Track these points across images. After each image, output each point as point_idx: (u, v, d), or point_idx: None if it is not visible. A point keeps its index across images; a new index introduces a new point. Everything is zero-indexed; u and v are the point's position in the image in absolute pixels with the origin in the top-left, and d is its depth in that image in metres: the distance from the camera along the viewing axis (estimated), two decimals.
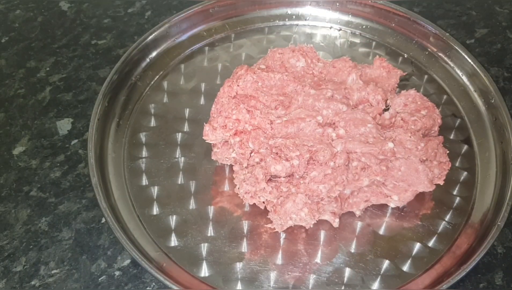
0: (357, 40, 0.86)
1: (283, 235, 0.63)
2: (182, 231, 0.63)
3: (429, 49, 0.83)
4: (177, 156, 0.70)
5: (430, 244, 0.62)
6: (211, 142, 0.65)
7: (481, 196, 0.66)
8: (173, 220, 0.64)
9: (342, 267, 0.60)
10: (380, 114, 0.67)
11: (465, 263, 0.57)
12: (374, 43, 0.86)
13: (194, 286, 0.58)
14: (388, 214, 0.65)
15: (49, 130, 0.76)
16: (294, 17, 0.88)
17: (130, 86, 0.77)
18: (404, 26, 0.85)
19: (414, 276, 0.60)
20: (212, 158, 0.68)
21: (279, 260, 0.61)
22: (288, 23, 0.88)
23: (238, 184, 0.63)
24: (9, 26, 0.91)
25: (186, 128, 0.73)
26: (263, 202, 0.62)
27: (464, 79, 0.79)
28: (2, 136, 0.75)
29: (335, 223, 0.62)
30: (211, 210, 0.65)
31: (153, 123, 0.74)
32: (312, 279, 0.59)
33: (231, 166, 0.68)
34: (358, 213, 0.64)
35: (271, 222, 0.62)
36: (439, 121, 0.68)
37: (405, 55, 0.84)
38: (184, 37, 0.84)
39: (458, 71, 0.80)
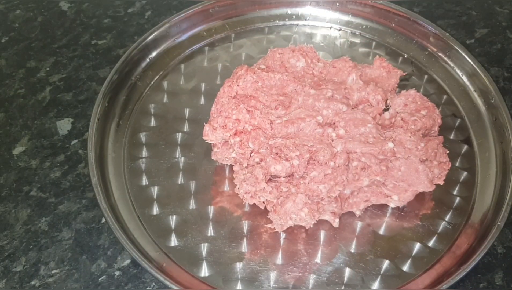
0: (357, 40, 0.86)
1: (283, 235, 0.63)
2: (182, 231, 0.63)
3: (429, 49, 0.83)
4: (177, 156, 0.70)
5: (430, 244, 0.62)
6: (211, 142, 0.65)
7: (481, 196, 0.66)
8: (173, 220, 0.64)
9: (342, 267, 0.60)
10: (380, 114, 0.67)
11: (465, 263, 0.57)
12: (374, 43, 0.86)
13: (194, 286, 0.58)
14: (388, 214, 0.65)
15: (49, 130, 0.76)
16: (294, 17, 0.88)
17: (130, 86, 0.77)
18: (404, 26, 0.85)
19: (414, 276, 0.60)
20: (212, 158, 0.68)
21: (279, 260, 0.61)
22: (288, 23, 0.88)
23: (238, 184, 0.63)
24: (9, 26, 0.91)
25: (186, 128, 0.73)
26: (263, 202, 0.62)
27: (464, 79, 0.79)
28: (2, 136, 0.75)
29: (335, 223, 0.62)
30: (211, 210, 0.65)
31: (153, 123, 0.74)
32: (312, 279, 0.59)
33: (231, 166, 0.68)
34: (358, 213, 0.64)
35: (271, 222, 0.62)
36: (439, 121, 0.68)
37: (405, 55, 0.84)
38: (184, 37, 0.84)
39: (458, 71, 0.80)
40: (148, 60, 0.80)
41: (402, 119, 0.65)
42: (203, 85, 0.79)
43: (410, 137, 0.62)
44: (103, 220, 0.66)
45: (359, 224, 0.64)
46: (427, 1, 0.96)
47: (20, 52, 0.87)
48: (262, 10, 0.88)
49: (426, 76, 0.81)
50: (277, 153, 0.61)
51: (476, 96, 0.77)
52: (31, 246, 0.64)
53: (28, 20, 0.92)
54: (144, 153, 0.71)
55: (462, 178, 0.68)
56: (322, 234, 0.63)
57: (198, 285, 0.58)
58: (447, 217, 0.65)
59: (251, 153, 0.63)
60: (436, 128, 0.68)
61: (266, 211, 0.63)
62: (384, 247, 0.62)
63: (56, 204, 0.67)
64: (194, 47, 0.84)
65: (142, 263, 0.56)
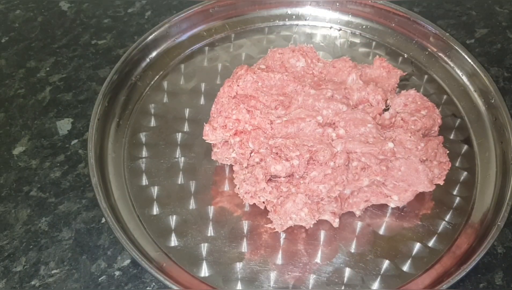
0: (357, 40, 0.86)
1: (283, 235, 0.63)
2: (182, 231, 0.63)
3: (429, 49, 0.83)
4: (177, 156, 0.70)
5: (430, 244, 0.62)
6: (211, 142, 0.65)
7: (481, 196, 0.66)
8: (173, 220, 0.64)
9: (342, 267, 0.60)
10: (380, 114, 0.67)
11: (465, 263, 0.57)
12: (374, 43, 0.86)
13: (194, 286, 0.58)
14: (388, 214, 0.65)
15: (49, 130, 0.76)
16: (294, 17, 0.88)
17: (130, 86, 0.77)
18: (404, 26, 0.85)
19: (414, 276, 0.60)
20: (212, 158, 0.68)
21: (279, 260, 0.61)
22: (288, 23, 0.88)
23: (238, 184, 0.63)
24: (9, 26, 0.91)
25: (186, 128, 0.73)
26: (263, 202, 0.62)
27: (464, 79, 0.79)
28: (2, 136, 0.75)
29: (335, 223, 0.62)
30: (211, 210, 0.65)
31: (153, 123, 0.74)
32: (312, 279, 0.59)
33: (231, 166, 0.68)
34: (358, 213, 0.64)
35: (271, 222, 0.62)
36: (439, 121, 0.68)
37: (405, 55, 0.84)
38: (184, 37, 0.84)
39: (458, 71, 0.80)
40: (148, 60, 0.80)
41: (402, 119, 0.65)
42: (203, 85, 0.79)
43: (410, 137, 0.62)
44: (103, 220, 0.66)
45: (359, 224, 0.64)
46: (427, 1, 0.96)
47: (20, 52, 0.87)
48: (262, 10, 0.88)
49: (426, 76, 0.81)
50: (277, 153, 0.61)
51: (476, 96, 0.77)
52: (31, 246, 0.64)
53: (28, 20, 0.92)
54: (144, 153, 0.71)
55: (462, 178, 0.68)
56: (322, 234, 0.63)
57: (198, 285, 0.58)
58: (447, 217, 0.65)
59: (251, 153, 0.63)
60: (436, 128, 0.68)
61: (266, 211, 0.63)
62: (384, 247, 0.62)
63: (56, 204, 0.67)
64: (194, 47, 0.84)
65: (142, 263, 0.56)
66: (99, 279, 0.61)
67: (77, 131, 0.75)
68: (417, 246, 0.62)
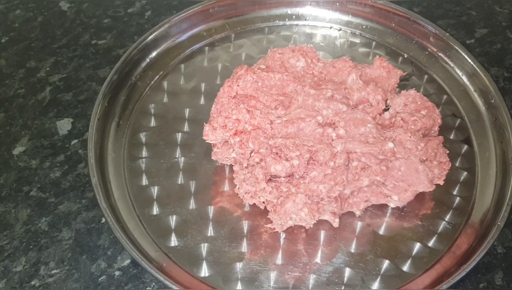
0: (357, 40, 0.86)
1: (283, 235, 0.63)
2: (182, 231, 0.63)
3: (429, 49, 0.83)
4: (177, 156, 0.70)
5: (430, 244, 0.62)
6: (211, 142, 0.65)
7: (481, 196, 0.66)
8: (173, 220, 0.64)
9: (342, 267, 0.60)
10: (380, 114, 0.67)
11: (465, 263, 0.57)
12: (374, 43, 0.86)
13: (194, 286, 0.58)
14: (388, 214, 0.65)
15: (49, 130, 0.76)
16: (294, 17, 0.88)
17: (130, 86, 0.77)
18: (404, 26, 0.85)
19: (414, 276, 0.60)
20: (212, 158, 0.68)
21: (279, 260, 0.61)
22: (288, 23, 0.88)
23: (238, 184, 0.63)
24: (9, 26, 0.91)
25: (186, 128, 0.73)
26: (263, 202, 0.62)
27: (464, 79, 0.79)
28: (2, 136, 0.75)
29: (335, 223, 0.62)
30: (211, 210, 0.65)
31: (153, 123, 0.74)
32: (312, 279, 0.59)
33: (231, 166, 0.68)
34: (358, 213, 0.64)
35: (271, 222, 0.62)
36: (439, 121, 0.68)
37: (405, 55, 0.84)
38: (184, 37, 0.84)
39: (458, 71, 0.80)
40: (148, 60, 0.80)
41: (402, 119, 0.65)
42: (203, 85, 0.79)
43: (410, 137, 0.62)
44: (103, 220, 0.66)
45: (359, 224, 0.64)
46: (427, 1, 0.96)
47: (20, 52, 0.87)
48: (262, 10, 0.88)
49: (426, 76, 0.81)
50: (277, 153, 0.61)
51: (476, 96, 0.77)
52: (31, 246, 0.64)
53: (28, 20, 0.92)
54: (144, 153, 0.71)
55: (462, 178, 0.68)
56: (322, 234, 0.63)
57: (198, 285, 0.58)
58: (447, 217, 0.65)
59: (251, 153, 0.63)
60: (436, 128, 0.68)
61: (266, 211, 0.63)
62: (384, 247, 0.62)
63: (56, 204, 0.67)
64: (194, 47, 0.84)
65: (142, 263, 0.56)
66: (99, 279, 0.61)
67: (77, 131, 0.75)
68: (417, 246, 0.62)
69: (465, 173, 0.69)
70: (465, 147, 0.72)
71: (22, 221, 0.66)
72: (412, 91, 0.69)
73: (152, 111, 0.75)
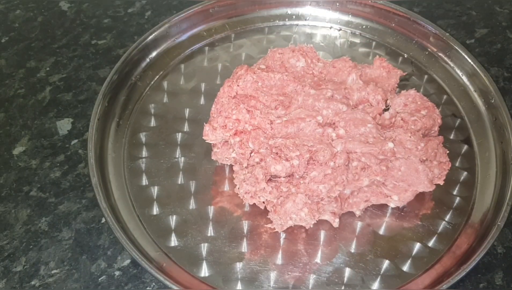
0: (357, 40, 0.86)
1: (283, 235, 0.63)
2: (182, 231, 0.63)
3: (429, 49, 0.83)
4: (177, 156, 0.70)
5: (430, 244, 0.62)
6: (211, 142, 0.65)
7: (481, 196, 0.66)
8: (173, 220, 0.64)
9: (342, 267, 0.60)
10: (380, 114, 0.67)
11: (465, 263, 0.57)
12: (374, 43, 0.86)
13: (194, 286, 0.58)
14: (388, 214, 0.65)
15: (49, 130, 0.76)
16: (294, 17, 0.88)
17: (130, 86, 0.77)
18: (404, 26, 0.85)
19: (414, 276, 0.60)
20: (212, 158, 0.68)
21: (279, 260, 0.61)
22: (288, 23, 0.88)
23: (238, 184, 0.63)
24: (9, 26, 0.91)
25: (186, 128, 0.73)
26: (263, 202, 0.62)
27: (464, 79, 0.79)
28: (2, 136, 0.75)
29: (335, 223, 0.62)
30: (211, 210, 0.65)
31: (153, 123, 0.74)
32: (312, 279, 0.59)
33: (231, 166, 0.68)
34: (358, 213, 0.64)
35: (271, 222, 0.62)
36: (439, 121, 0.68)
37: (405, 55, 0.84)
38: (184, 37, 0.84)
39: (458, 71, 0.80)
40: (148, 60, 0.80)
41: (402, 119, 0.65)
42: (203, 85, 0.79)
43: (410, 137, 0.62)
44: (103, 220, 0.66)
45: (359, 224, 0.64)
46: (427, 1, 0.96)
47: (20, 52, 0.87)
48: (262, 10, 0.88)
49: (426, 76, 0.81)
50: (277, 153, 0.61)
51: (476, 96, 0.77)
52: (31, 246, 0.64)
53: (28, 20, 0.92)
54: (144, 153, 0.71)
55: (462, 178, 0.68)
56: (322, 234, 0.63)
57: (198, 285, 0.58)
58: (447, 217, 0.65)
59: (251, 153, 0.63)
60: (436, 128, 0.68)
61: (266, 211, 0.63)
62: (384, 247, 0.62)
63: (56, 204, 0.67)
64: (194, 47, 0.84)
65: (142, 263, 0.56)
66: (99, 279, 0.61)
67: (77, 131, 0.75)
68: (417, 246, 0.62)
69: (465, 173, 0.69)
70: (465, 147, 0.72)
71: (22, 221, 0.66)
72: (412, 91, 0.69)
73: (152, 111, 0.75)
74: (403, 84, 0.77)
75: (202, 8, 0.84)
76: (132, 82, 0.77)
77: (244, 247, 0.62)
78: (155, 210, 0.65)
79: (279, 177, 0.61)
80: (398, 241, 0.63)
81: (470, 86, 0.78)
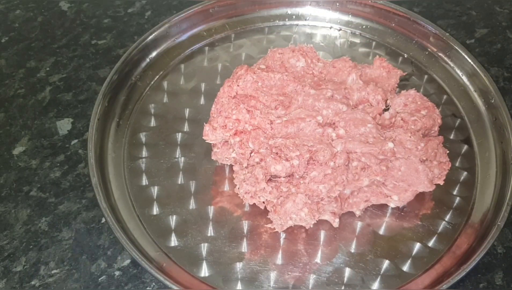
0: (357, 40, 0.86)
1: (283, 235, 0.63)
2: (182, 231, 0.63)
3: (429, 49, 0.83)
4: (177, 156, 0.70)
5: (430, 244, 0.62)
6: (211, 142, 0.65)
7: (481, 196, 0.66)
8: (173, 220, 0.64)
9: (342, 267, 0.60)
10: (380, 114, 0.67)
11: (465, 263, 0.57)
12: (374, 43, 0.86)
13: (194, 286, 0.58)
14: (388, 214, 0.65)
15: (49, 130, 0.76)
16: (294, 17, 0.88)
17: (130, 86, 0.77)
18: (404, 26, 0.85)
19: (414, 276, 0.60)
20: (212, 158, 0.68)
21: (279, 260, 0.61)
22: (288, 23, 0.88)
23: (238, 184, 0.63)
24: (9, 26, 0.91)
25: (186, 128, 0.73)
26: (263, 202, 0.62)
27: (464, 79, 0.79)
28: (2, 136, 0.75)
29: (335, 223, 0.62)
30: (211, 210, 0.65)
31: (153, 123, 0.74)
32: (312, 279, 0.59)
33: (231, 166, 0.68)
34: (358, 213, 0.64)
35: (271, 222, 0.62)
36: (439, 121, 0.68)
37: (405, 55, 0.84)
38: (184, 37, 0.84)
39: (458, 71, 0.80)
40: (148, 60, 0.80)
41: (402, 119, 0.65)
42: (203, 85, 0.79)
43: (410, 137, 0.62)
44: (103, 220, 0.66)
45: (359, 224, 0.64)
46: (427, 1, 0.96)
47: (20, 52, 0.87)
48: (262, 10, 0.88)
49: (426, 76, 0.81)
50: (277, 153, 0.61)
51: (476, 96, 0.77)
52: (31, 246, 0.64)
53: (28, 20, 0.92)
54: (144, 153, 0.71)
55: (462, 178, 0.68)
56: (322, 234, 0.63)
57: (198, 285, 0.58)
58: (447, 217, 0.65)
59: (251, 153, 0.63)
60: (436, 128, 0.68)
61: (266, 211, 0.63)
62: (384, 247, 0.62)
63: (56, 204, 0.67)
64: (194, 47, 0.84)
65: (142, 263, 0.56)
66: (99, 279, 0.61)
67: (77, 131, 0.75)
68: (417, 246, 0.62)
69: (465, 173, 0.69)
70: (465, 147, 0.72)
71: (22, 221, 0.66)
72: (412, 91, 0.69)
73: (152, 111, 0.75)
74: (403, 84, 0.77)
75: (202, 8, 0.84)
76: (132, 82, 0.77)
77: (244, 247, 0.62)
78: (155, 210, 0.65)
79: (279, 177, 0.61)
80: (398, 241, 0.63)
81: (470, 86, 0.78)
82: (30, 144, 0.74)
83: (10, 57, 0.86)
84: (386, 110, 0.68)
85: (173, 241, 0.62)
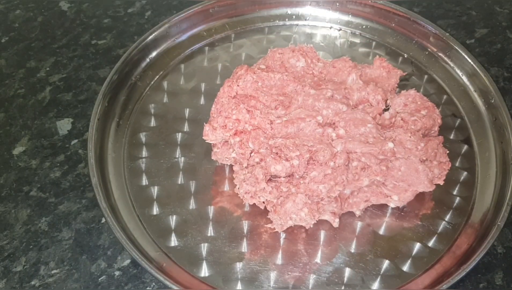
0: (357, 40, 0.86)
1: (283, 235, 0.63)
2: (182, 231, 0.63)
3: (429, 49, 0.83)
4: (177, 156, 0.70)
5: (430, 244, 0.62)
6: (211, 142, 0.65)
7: (481, 196, 0.66)
8: (173, 220, 0.64)
9: (342, 267, 0.60)
10: (380, 114, 0.67)
11: (465, 263, 0.57)
12: (374, 43, 0.86)
13: (194, 286, 0.58)
14: (388, 214, 0.65)
15: (49, 130, 0.76)
16: (294, 17, 0.88)
17: (130, 86, 0.77)
18: (404, 26, 0.85)
19: (414, 276, 0.60)
20: (212, 158, 0.68)
21: (279, 260, 0.61)
22: (288, 23, 0.88)
23: (238, 184, 0.63)
24: (9, 26, 0.91)
25: (186, 128, 0.73)
26: (263, 202, 0.62)
27: (464, 79, 0.79)
28: (2, 136, 0.75)
29: (335, 223, 0.62)
30: (211, 210, 0.65)
31: (153, 123, 0.74)
32: (312, 279, 0.59)
33: (231, 166, 0.68)
34: (358, 213, 0.64)
35: (271, 222, 0.62)
36: (439, 121, 0.68)
37: (405, 55, 0.84)
38: (184, 37, 0.84)
39: (458, 71, 0.80)
40: (148, 60, 0.80)
41: (402, 119, 0.65)
42: (203, 85, 0.79)
43: (410, 137, 0.62)
44: (103, 220, 0.66)
45: (359, 224, 0.64)
46: (427, 1, 0.96)
47: (20, 52, 0.87)
48: (262, 10, 0.88)
49: (426, 76, 0.81)
50: (277, 153, 0.61)
51: (476, 96, 0.77)
52: (31, 246, 0.64)
53: (28, 20, 0.92)
54: (144, 153, 0.71)
55: (462, 178, 0.68)
56: (322, 234, 0.63)
57: (198, 285, 0.58)
58: (447, 217, 0.65)
59: (251, 153, 0.63)
60: (436, 128, 0.68)
61: (266, 211, 0.63)
62: (384, 247, 0.62)
63: (56, 204, 0.67)
64: (194, 47, 0.84)
65: (142, 263, 0.56)
66: (99, 279, 0.61)
67: (77, 131, 0.75)
68: (417, 246, 0.62)
69: (465, 173, 0.69)
70: (465, 147, 0.72)
71: (22, 221, 0.66)
72: (412, 91, 0.69)
73: (152, 111, 0.75)
74: (403, 84, 0.77)
75: (202, 8, 0.84)
76: (132, 82, 0.77)
77: (244, 247, 0.62)
78: (155, 210, 0.65)
79: (279, 177, 0.61)
80: (398, 241, 0.63)
81: (470, 86, 0.78)
82: (30, 144, 0.74)
83: (10, 57, 0.86)
84: (386, 110, 0.68)
85: (173, 241, 0.62)
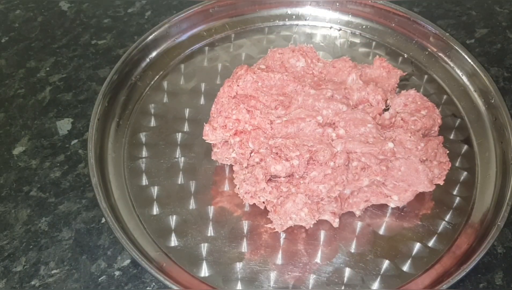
0: (357, 40, 0.86)
1: (283, 235, 0.63)
2: (182, 231, 0.63)
3: (429, 49, 0.83)
4: (177, 156, 0.70)
5: (430, 244, 0.62)
6: (211, 142, 0.65)
7: (481, 196, 0.66)
8: (173, 220, 0.64)
9: (342, 267, 0.60)
10: (380, 114, 0.67)
11: (465, 263, 0.57)
12: (374, 43, 0.86)
13: (194, 286, 0.58)
14: (388, 214, 0.65)
15: (49, 130, 0.76)
16: (294, 17, 0.88)
17: (130, 86, 0.77)
18: (404, 26, 0.85)
19: (414, 276, 0.60)
20: (212, 158, 0.68)
21: (279, 260, 0.61)
22: (288, 23, 0.88)
23: (238, 184, 0.63)
24: (9, 26, 0.91)
25: (186, 128, 0.73)
26: (263, 202, 0.62)
27: (464, 79, 0.79)
28: (2, 136, 0.75)
29: (335, 223, 0.62)
30: (211, 210, 0.65)
31: (153, 123, 0.74)
32: (312, 279, 0.59)
33: (231, 166, 0.68)
34: (358, 213, 0.64)
35: (271, 222, 0.62)
36: (439, 121, 0.68)
37: (405, 55, 0.84)
38: (184, 37, 0.84)
39: (458, 71, 0.80)
40: (148, 60, 0.80)
41: (402, 119, 0.65)
42: (203, 85, 0.79)
43: (410, 137, 0.62)
44: (103, 220, 0.66)
45: (359, 224, 0.64)
46: (427, 1, 0.96)
47: (20, 52, 0.87)
48: (262, 10, 0.88)
49: (426, 76, 0.81)
50: (277, 153, 0.61)
51: (476, 96, 0.77)
52: (31, 246, 0.64)
53: (28, 20, 0.92)
54: (144, 153, 0.71)
55: (462, 178, 0.68)
56: (322, 234, 0.63)
57: (198, 285, 0.58)
58: (447, 217, 0.65)
59: (251, 153, 0.63)
60: (436, 128, 0.68)
61: (266, 211, 0.63)
62: (384, 247, 0.62)
63: (56, 204, 0.67)
64: (194, 47, 0.84)
65: (142, 263, 0.56)
66: (99, 279, 0.61)
67: (77, 131, 0.75)
68: (417, 246, 0.62)
69: (465, 173, 0.69)
70: (465, 147, 0.72)
71: (22, 221, 0.66)
72: (412, 91, 0.69)
73: (152, 111, 0.75)
74: (403, 84, 0.77)
75: (202, 8, 0.84)
76: (132, 82, 0.77)
77: (244, 247, 0.62)
78: (155, 210, 0.65)
79: (279, 177, 0.61)
80: (398, 241, 0.63)
81: (470, 86, 0.78)
82: (30, 144, 0.74)
83: (10, 57, 0.86)
84: (386, 110, 0.68)
85: (173, 241, 0.62)
